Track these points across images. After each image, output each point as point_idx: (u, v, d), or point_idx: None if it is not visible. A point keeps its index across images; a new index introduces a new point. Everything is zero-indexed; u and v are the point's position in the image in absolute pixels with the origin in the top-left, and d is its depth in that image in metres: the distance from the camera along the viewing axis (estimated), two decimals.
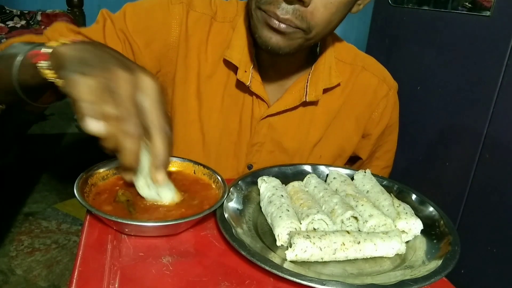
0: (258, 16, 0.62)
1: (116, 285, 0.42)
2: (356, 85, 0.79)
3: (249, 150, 0.77)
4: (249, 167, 0.78)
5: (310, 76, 0.75)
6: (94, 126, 0.42)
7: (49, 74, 0.49)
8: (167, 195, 0.53)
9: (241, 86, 0.74)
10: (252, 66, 0.72)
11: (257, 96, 0.74)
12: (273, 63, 0.74)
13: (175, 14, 0.72)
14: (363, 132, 0.83)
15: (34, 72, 0.51)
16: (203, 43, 0.74)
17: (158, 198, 0.53)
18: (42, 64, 0.49)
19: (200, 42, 0.74)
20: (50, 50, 0.49)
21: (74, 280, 0.42)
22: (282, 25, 0.60)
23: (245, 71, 0.72)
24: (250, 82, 0.72)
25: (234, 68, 0.73)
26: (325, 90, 0.76)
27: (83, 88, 0.42)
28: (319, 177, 0.66)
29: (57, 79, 0.48)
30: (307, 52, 0.75)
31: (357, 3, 0.68)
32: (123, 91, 0.43)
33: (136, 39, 0.70)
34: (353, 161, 0.90)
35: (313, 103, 0.76)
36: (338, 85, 0.77)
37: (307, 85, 0.74)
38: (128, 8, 0.72)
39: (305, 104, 0.76)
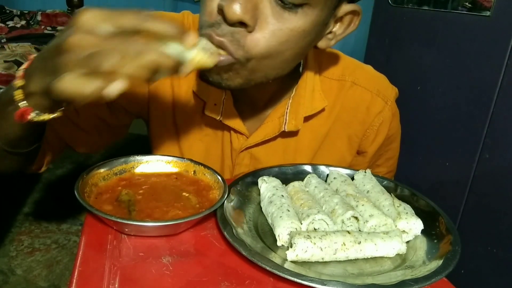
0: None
1: (116, 285, 0.42)
2: (346, 103, 0.72)
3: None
4: None
5: (290, 102, 0.68)
6: (114, 88, 0.37)
7: (45, 117, 0.45)
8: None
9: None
10: (223, 97, 0.66)
11: (234, 129, 0.69)
12: (246, 91, 0.66)
13: None
14: (358, 149, 0.77)
15: (22, 125, 0.47)
16: None
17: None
18: (33, 115, 0.44)
19: None
20: (26, 103, 0.44)
21: (74, 280, 0.42)
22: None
23: (215, 104, 0.66)
24: (222, 115, 0.67)
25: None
26: (309, 117, 0.70)
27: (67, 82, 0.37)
28: (319, 177, 0.66)
29: (52, 115, 0.45)
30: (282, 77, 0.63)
31: (326, 37, 0.59)
32: (92, 45, 0.37)
33: None
34: None
35: (295, 132, 0.70)
36: (323, 109, 0.70)
37: (286, 113, 0.68)
38: None
39: (285, 134, 0.70)
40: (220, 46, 0.50)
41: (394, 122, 0.77)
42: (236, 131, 0.69)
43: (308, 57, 0.69)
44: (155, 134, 0.74)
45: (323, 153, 0.75)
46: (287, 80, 0.69)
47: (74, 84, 0.36)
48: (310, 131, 0.72)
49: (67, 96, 0.37)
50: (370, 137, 0.75)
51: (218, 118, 0.67)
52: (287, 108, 0.69)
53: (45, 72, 0.41)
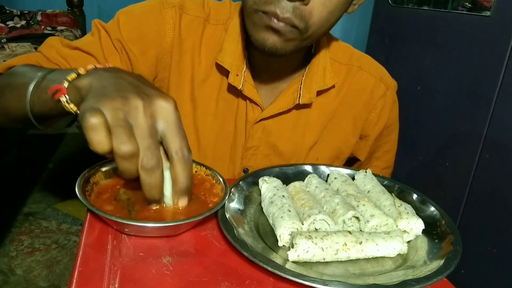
0: (255, 18, 0.61)
1: (116, 285, 0.41)
2: (352, 86, 0.78)
3: (245, 154, 0.77)
4: (245, 170, 0.78)
5: (304, 78, 0.74)
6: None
7: (73, 108, 0.50)
8: None
9: (234, 90, 0.72)
10: (244, 69, 0.71)
11: (250, 100, 0.73)
12: (267, 65, 0.73)
13: (168, 19, 0.71)
14: (361, 133, 0.82)
15: (53, 105, 0.52)
16: (196, 46, 0.73)
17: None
18: (63, 98, 0.49)
19: (194, 45, 0.73)
20: (67, 84, 0.49)
21: (74, 280, 0.42)
22: (281, 24, 0.59)
23: (237, 75, 0.71)
24: (242, 85, 0.71)
25: (226, 72, 0.72)
26: (320, 92, 0.75)
27: (100, 136, 0.42)
28: (320, 177, 0.66)
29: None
30: (302, 53, 0.74)
31: (352, 3, 0.67)
32: (141, 123, 0.44)
33: (132, 47, 0.69)
34: (351, 163, 0.89)
35: (307, 105, 0.75)
36: (333, 86, 0.76)
37: (300, 87, 0.73)
38: (121, 16, 0.71)
39: (299, 106, 0.75)
40: (286, 21, 0.59)
41: (394, 111, 0.83)
42: (252, 101, 0.73)
43: (320, 41, 0.75)
44: None
45: (329, 132, 0.79)
46: (302, 60, 0.75)
47: (89, 125, 0.41)
48: (319, 108, 0.77)
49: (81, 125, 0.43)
50: (373, 120, 0.80)
51: (239, 87, 0.71)
52: (301, 84, 0.74)
53: (94, 87, 0.46)
